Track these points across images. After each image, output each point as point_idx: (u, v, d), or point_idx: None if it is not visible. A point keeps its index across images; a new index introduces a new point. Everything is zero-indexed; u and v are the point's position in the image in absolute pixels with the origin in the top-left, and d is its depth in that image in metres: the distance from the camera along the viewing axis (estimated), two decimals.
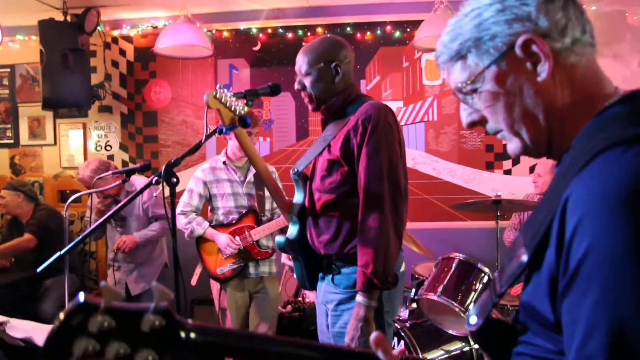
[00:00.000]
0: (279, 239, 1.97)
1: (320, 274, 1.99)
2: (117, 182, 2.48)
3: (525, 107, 0.78)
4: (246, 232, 3.03)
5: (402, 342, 2.82)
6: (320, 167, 1.86)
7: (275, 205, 3.15)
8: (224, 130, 1.76)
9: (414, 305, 3.01)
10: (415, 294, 3.00)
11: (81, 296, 0.56)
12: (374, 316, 1.78)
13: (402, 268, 1.94)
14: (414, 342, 2.78)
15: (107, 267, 3.48)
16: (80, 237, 1.57)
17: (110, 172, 2.75)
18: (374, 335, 0.74)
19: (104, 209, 3.24)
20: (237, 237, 3.02)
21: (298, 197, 1.97)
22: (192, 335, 0.59)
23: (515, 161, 4.18)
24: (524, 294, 0.76)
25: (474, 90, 0.82)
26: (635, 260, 0.59)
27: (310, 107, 1.92)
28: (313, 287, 2.03)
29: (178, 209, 3.07)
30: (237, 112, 1.77)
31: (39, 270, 1.62)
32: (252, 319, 3.15)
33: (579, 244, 0.63)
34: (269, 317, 3.16)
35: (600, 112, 0.74)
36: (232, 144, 3.09)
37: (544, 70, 0.75)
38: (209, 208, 3.16)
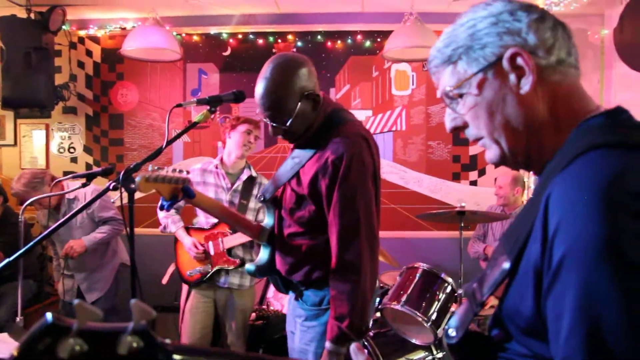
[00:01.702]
0: (249, 267, 1.93)
1: (290, 291, 1.97)
2: (77, 187, 2.42)
3: (507, 116, 0.81)
4: (219, 239, 3.00)
5: (365, 351, 2.82)
6: (289, 199, 1.79)
7: (259, 218, 3.08)
8: (165, 206, 1.67)
9: (378, 314, 3.02)
10: (379, 303, 3.00)
11: (49, 316, 0.50)
12: None
13: (376, 284, 1.90)
14: (377, 351, 2.78)
15: (57, 274, 3.37)
16: (29, 245, 1.49)
17: (71, 175, 2.68)
18: (354, 345, 0.76)
19: None
20: (210, 243, 2.98)
21: (268, 221, 1.92)
22: (174, 357, 0.55)
23: (481, 172, 4.25)
24: (507, 299, 0.78)
25: (460, 96, 0.85)
26: (610, 259, 0.61)
27: (287, 140, 1.81)
28: (288, 290, 2.01)
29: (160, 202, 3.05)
30: (178, 182, 1.65)
31: None
32: (223, 329, 3.15)
33: (560, 242, 0.65)
34: (237, 330, 3.11)
35: (581, 124, 0.78)
36: (228, 148, 3.06)
37: (527, 83, 0.79)
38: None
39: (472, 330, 0.85)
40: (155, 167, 1.61)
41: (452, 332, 0.84)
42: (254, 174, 3.11)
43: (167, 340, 0.55)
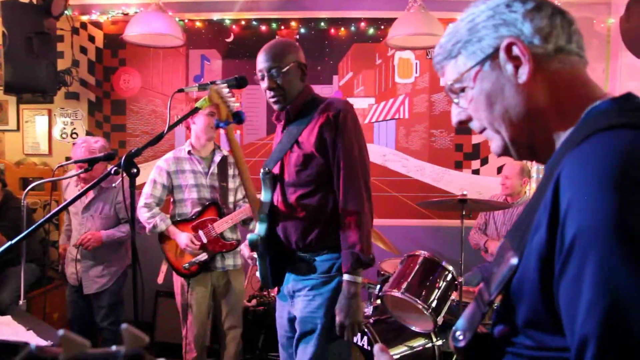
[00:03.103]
0: (252, 236, 1.99)
1: (289, 268, 2.02)
2: (80, 171, 2.43)
3: (506, 106, 0.82)
4: (209, 226, 2.99)
5: (365, 338, 2.84)
6: (294, 163, 1.92)
7: (238, 197, 3.15)
8: (220, 125, 1.87)
9: (379, 301, 3.03)
10: (380, 290, 3.02)
11: (32, 346, 0.47)
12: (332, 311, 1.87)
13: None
14: (377, 338, 2.80)
15: (70, 260, 3.37)
16: (34, 225, 1.50)
17: (72, 160, 2.69)
18: (377, 346, 0.78)
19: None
20: (200, 232, 2.98)
21: (266, 196, 2.02)
22: None
23: (484, 161, 4.24)
24: (510, 292, 0.77)
25: (462, 90, 0.87)
26: (625, 235, 0.61)
27: (277, 107, 1.97)
28: (275, 285, 2.06)
29: (141, 202, 3.01)
30: (232, 108, 1.87)
31: None
32: (219, 313, 3.15)
33: (572, 221, 0.65)
34: (235, 311, 3.16)
35: (589, 110, 0.78)
36: (195, 132, 3.05)
37: (524, 72, 0.79)
38: (171, 200, 3.10)
39: (480, 332, 0.83)
40: (223, 86, 1.86)
41: (459, 335, 0.83)
42: (225, 152, 3.13)
43: None
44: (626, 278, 0.60)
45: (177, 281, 3.11)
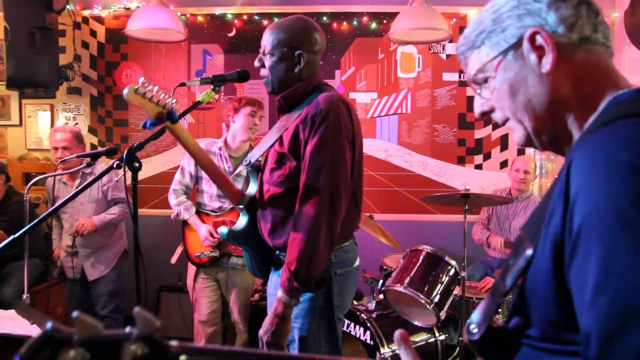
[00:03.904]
0: (222, 229, 1.92)
1: (272, 267, 1.96)
2: (83, 166, 2.43)
3: (529, 96, 0.82)
4: (230, 226, 3.03)
5: (367, 332, 2.84)
6: (271, 159, 1.81)
7: None
8: (147, 125, 1.64)
9: (381, 296, 3.03)
10: (383, 285, 3.02)
11: (49, 325, 0.48)
12: (317, 311, 1.78)
13: (357, 263, 1.92)
14: (380, 332, 2.80)
15: (66, 253, 3.40)
16: (36, 220, 1.51)
17: (74, 155, 2.70)
18: (398, 332, 0.73)
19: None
20: (218, 229, 3.01)
21: (251, 189, 1.93)
22: (180, 358, 0.53)
23: (487, 156, 4.23)
24: (526, 283, 0.77)
25: (485, 80, 0.87)
26: (629, 222, 0.61)
27: (268, 90, 1.86)
28: (263, 277, 1.99)
29: (172, 187, 3.13)
30: (165, 107, 1.66)
31: None
32: (226, 308, 3.22)
33: (580, 207, 0.65)
34: (241, 308, 3.19)
35: (612, 99, 0.77)
36: (233, 131, 3.04)
37: (548, 62, 0.79)
38: (197, 188, 3.17)
39: (495, 325, 0.83)
40: (148, 84, 1.60)
41: (474, 329, 0.82)
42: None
43: (174, 343, 0.53)
44: (630, 265, 0.60)
45: (190, 272, 3.21)
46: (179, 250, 3.32)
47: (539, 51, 0.80)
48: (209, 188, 3.07)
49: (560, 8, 0.79)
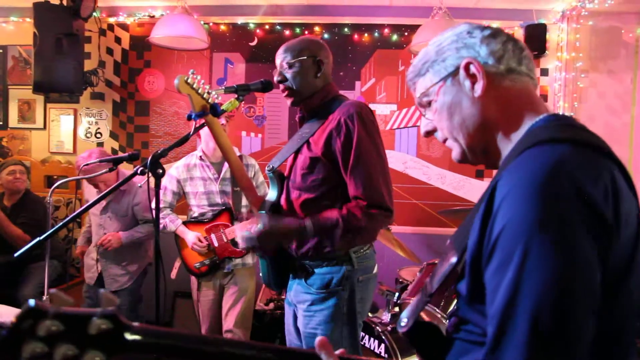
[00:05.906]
0: (245, 233, 1.92)
1: (291, 275, 1.96)
2: (104, 170, 2.46)
3: (463, 117, 0.95)
4: (221, 231, 3.03)
5: (382, 345, 2.82)
6: (301, 165, 1.84)
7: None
8: (192, 116, 1.74)
9: (397, 309, 3.01)
10: (399, 298, 3.00)
11: (31, 302, 0.60)
12: (340, 317, 1.82)
13: (375, 269, 1.95)
14: (394, 346, 2.78)
15: (90, 260, 3.43)
16: (60, 224, 1.53)
17: (97, 159, 2.73)
18: (318, 339, 0.76)
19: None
20: (212, 235, 3.03)
21: (271, 195, 1.94)
22: (137, 337, 0.63)
23: None
24: (458, 287, 0.89)
25: (429, 104, 1.00)
26: (539, 236, 0.70)
27: (288, 102, 1.90)
28: (278, 288, 2.00)
29: (153, 204, 3.07)
30: (209, 100, 1.77)
31: (16, 255, 1.59)
32: (223, 311, 3.15)
33: (501, 218, 0.75)
34: (237, 309, 3.12)
35: (532, 124, 0.90)
36: (204, 138, 3.08)
37: (479, 88, 0.92)
38: (188, 203, 3.18)
39: (423, 320, 0.98)
40: (196, 75, 1.74)
41: (403, 321, 0.97)
42: (237, 153, 3.13)
43: (135, 323, 0.64)
44: (536, 275, 0.70)
45: (194, 281, 3.21)
46: (177, 264, 3.29)
47: (473, 78, 0.93)
48: (198, 202, 3.08)
49: (491, 43, 0.94)
